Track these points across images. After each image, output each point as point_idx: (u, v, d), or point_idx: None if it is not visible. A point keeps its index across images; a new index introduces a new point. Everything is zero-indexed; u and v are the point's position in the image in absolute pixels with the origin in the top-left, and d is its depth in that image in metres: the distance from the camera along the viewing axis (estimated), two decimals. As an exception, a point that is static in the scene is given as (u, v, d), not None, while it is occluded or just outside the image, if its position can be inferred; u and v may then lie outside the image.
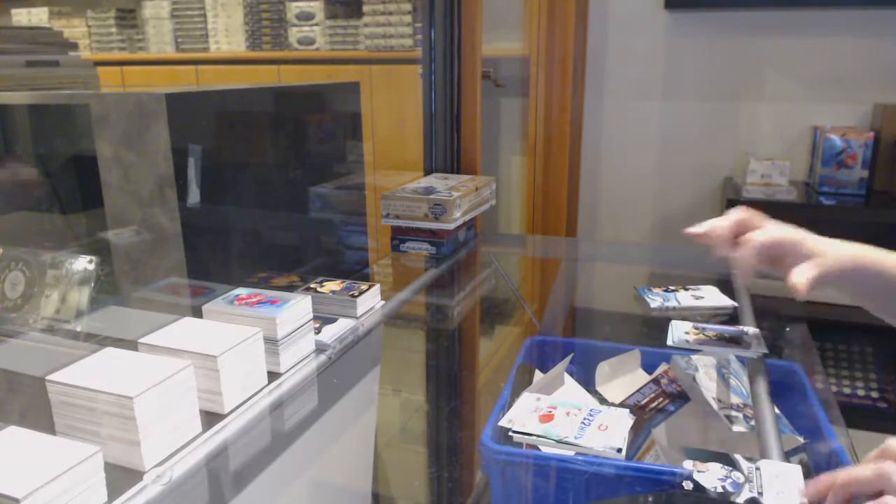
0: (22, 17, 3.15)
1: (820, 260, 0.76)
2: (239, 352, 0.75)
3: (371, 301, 1.05)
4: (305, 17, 2.78)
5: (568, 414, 0.80)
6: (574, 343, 1.03)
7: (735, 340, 0.93)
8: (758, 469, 0.65)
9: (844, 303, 0.82)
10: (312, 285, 1.05)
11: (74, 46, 1.38)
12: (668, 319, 0.99)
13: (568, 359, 0.94)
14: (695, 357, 0.91)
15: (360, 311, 1.02)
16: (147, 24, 3.07)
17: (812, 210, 2.12)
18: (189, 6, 2.98)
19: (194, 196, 0.86)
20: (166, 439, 0.66)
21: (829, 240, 0.80)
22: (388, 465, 1.13)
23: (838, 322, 1.90)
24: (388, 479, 1.13)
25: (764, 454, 0.71)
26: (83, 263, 0.87)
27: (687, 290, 1.17)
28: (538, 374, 1.01)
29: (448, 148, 1.74)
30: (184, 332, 0.77)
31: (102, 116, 0.84)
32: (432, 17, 1.66)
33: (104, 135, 0.85)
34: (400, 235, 1.45)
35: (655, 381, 0.91)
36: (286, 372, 0.85)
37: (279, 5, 2.82)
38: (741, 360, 0.94)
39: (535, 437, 0.78)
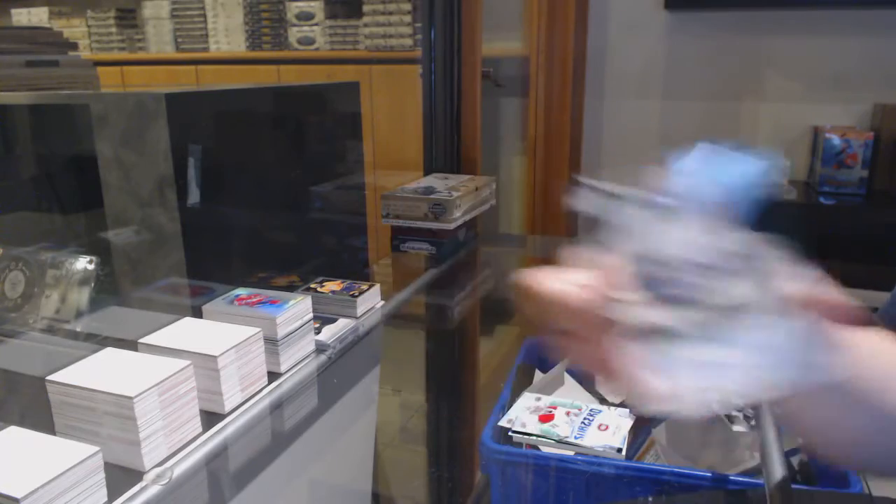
0: (22, 16, 3.15)
1: None
2: (239, 352, 0.75)
3: (371, 301, 1.05)
4: (305, 16, 2.78)
5: (568, 414, 0.80)
6: (574, 343, 1.02)
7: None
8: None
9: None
10: (312, 285, 1.05)
11: (74, 46, 1.38)
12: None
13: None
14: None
15: (360, 311, 1.02)
16: (147, 23, 3.07)
17: (812, 210, 2.12)
18: (189, 6, 2.98)
19: (194, 196, 0.86)
20: (166, 439, 0.66)
21: None
22: (388, 465, 1.14)
23: (838, 322, 1.89)
24: (388, 479, 1.13)
25: (764, 454, 0.71)
26: (83, 263, 0.87)
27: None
28: (538, 375, 1.01)
29: (448, 148, 1.74)
30: (184, 332, 0.77)
31: (102, 116, 0.84)
32: (432, 17, 1.66)
33: (104, 135, 0.85)
34: (400, 235, 1.45)
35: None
36: (286, 372, 0.85)
37: (279, 5, 2.81)
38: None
39: (535, 437, 0.78)
